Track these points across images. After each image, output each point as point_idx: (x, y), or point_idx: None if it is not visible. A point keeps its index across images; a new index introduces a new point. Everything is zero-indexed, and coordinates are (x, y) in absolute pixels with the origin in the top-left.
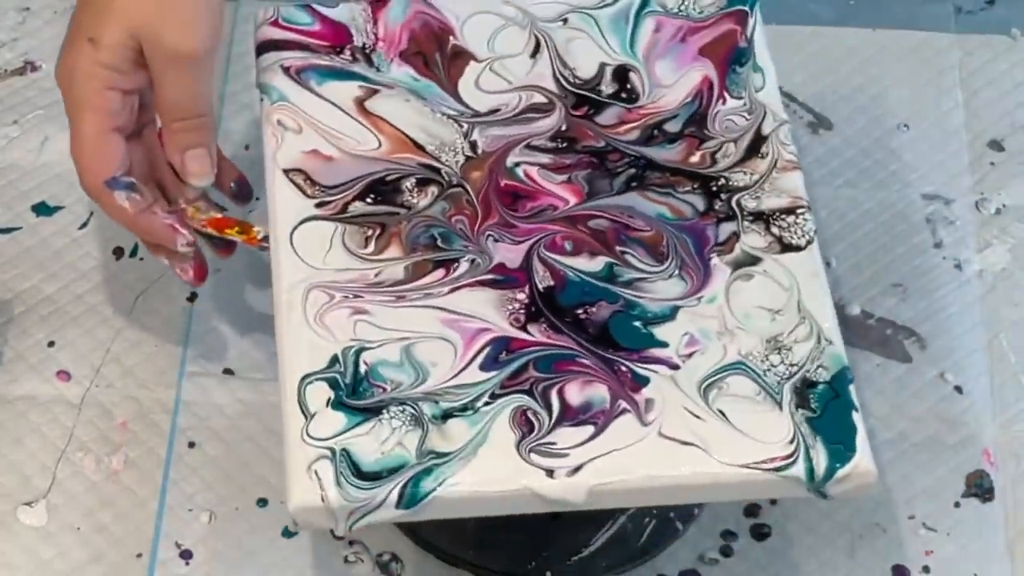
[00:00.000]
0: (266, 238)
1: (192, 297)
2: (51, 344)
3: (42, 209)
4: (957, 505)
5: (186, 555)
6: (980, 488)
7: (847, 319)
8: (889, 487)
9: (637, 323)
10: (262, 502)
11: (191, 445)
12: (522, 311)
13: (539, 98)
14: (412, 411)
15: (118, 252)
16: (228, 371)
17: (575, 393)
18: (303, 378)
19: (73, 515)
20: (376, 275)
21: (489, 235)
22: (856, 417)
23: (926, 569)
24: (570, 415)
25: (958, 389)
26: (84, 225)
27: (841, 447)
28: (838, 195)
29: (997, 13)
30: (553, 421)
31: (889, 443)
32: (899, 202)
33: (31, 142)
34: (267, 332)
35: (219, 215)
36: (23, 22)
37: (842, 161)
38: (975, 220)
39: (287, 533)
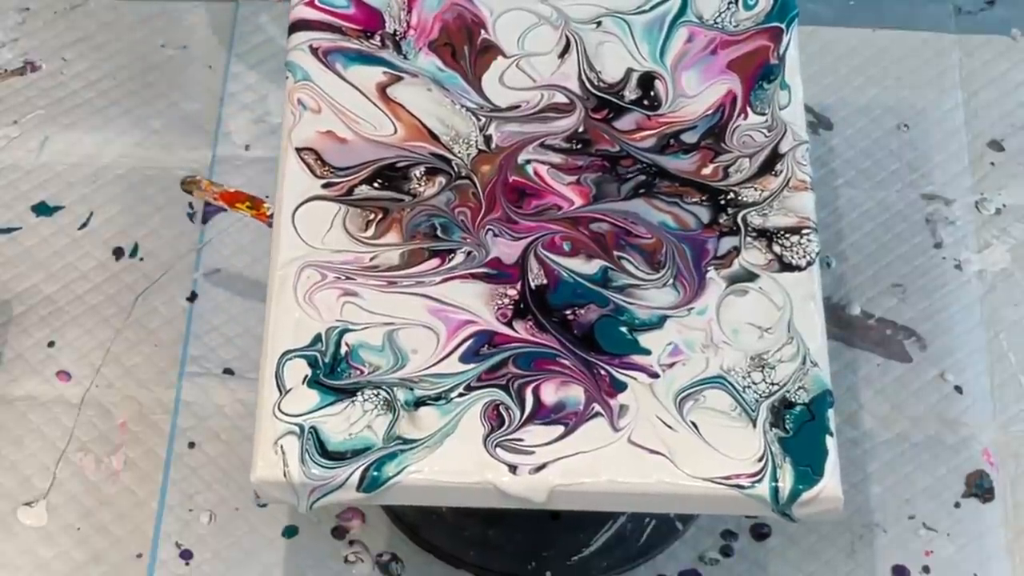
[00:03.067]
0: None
1: (192, 297)
2: (51, 344)
3: (42, 209)
4: (957, 505)
5: (186, 555)
6: (980, 488)
7: (847, 319)
8: (889, 487)
9: (623, 328)
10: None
11: (191, 445)
12: (510, 307)
13: (560, 98)
14: (386, 396)
15: (118, 252)
16: (228, 371)
17: (550, 392)
18: (284, 354)
19: (73, 515)
20: (372, 259)
21: (489, 229)
22: (830, 442)
23: (926, 569)
24: (542, 413)
25: (958, 389)
26: (84, 225)
27: (809, 470)
28: (838, 195)
29: (997, 13)
30: (524, 418)
31: (889, 443)
32: (899, 202)
33: (31, 142)
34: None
35: (231, 189)
36: (23, 22)
37: (842, 161)
38: (975, 220)
39: (287, 533)
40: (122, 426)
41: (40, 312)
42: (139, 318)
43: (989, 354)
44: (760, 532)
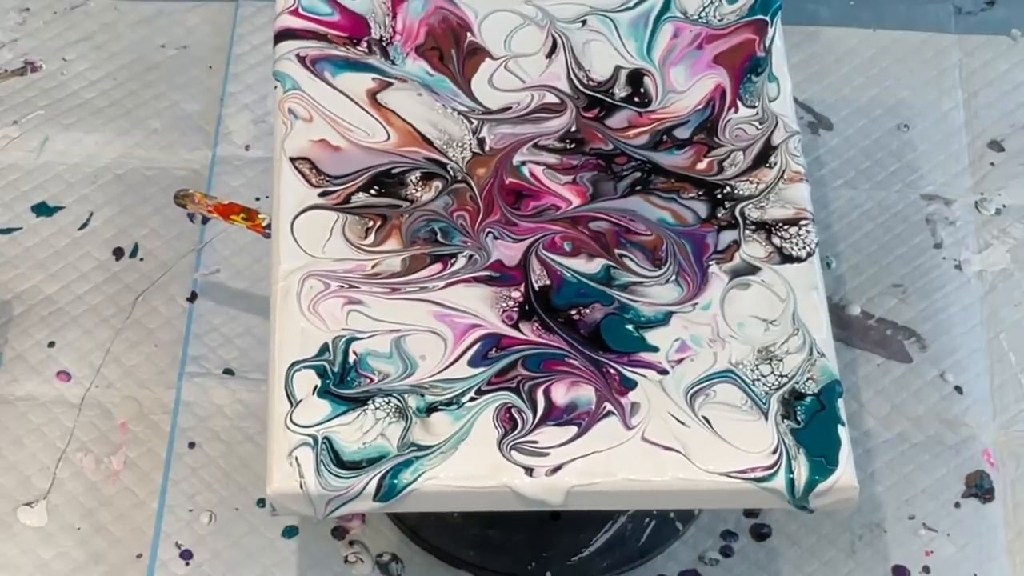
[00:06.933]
0: (270, 225)
1: (192, 297)
2: (51, 344)
3: (42, 209)
4: (957, 505)
5: (186, 555)
6: (980, 488)
7: (847, 319)
8: (889, 487)
9: (629, 326)
10: (262, 502)
11: (191, 445)
12: (515, 309)
13: (551, 98)
14: (397, 403)
15: (118, 252)
16: (228, 371)
17: (561, 393)
18: (291, 365)
19: (73, 516)
20: (373, 266)
21: (489, 232)
22: (842, 431)
23: (926, 569)
24: (554, 414)
25: (958, 389)
26: (84, 225)
27: (823, 460)
28: (838, 195)
29: (997, 14)
30: (537, 420)
31: (889, 443)
32: (899, 202)
33: (31, 142)
34: (267, 332)
35: (225, 201)
36: (23, 22)
37: (842, 161)
38: (975, 220)
39: (287, 533)
40: (122, 426)
41: (40, 312)
42: (139, 318)
43: (989, 354)
44: (760, 532)
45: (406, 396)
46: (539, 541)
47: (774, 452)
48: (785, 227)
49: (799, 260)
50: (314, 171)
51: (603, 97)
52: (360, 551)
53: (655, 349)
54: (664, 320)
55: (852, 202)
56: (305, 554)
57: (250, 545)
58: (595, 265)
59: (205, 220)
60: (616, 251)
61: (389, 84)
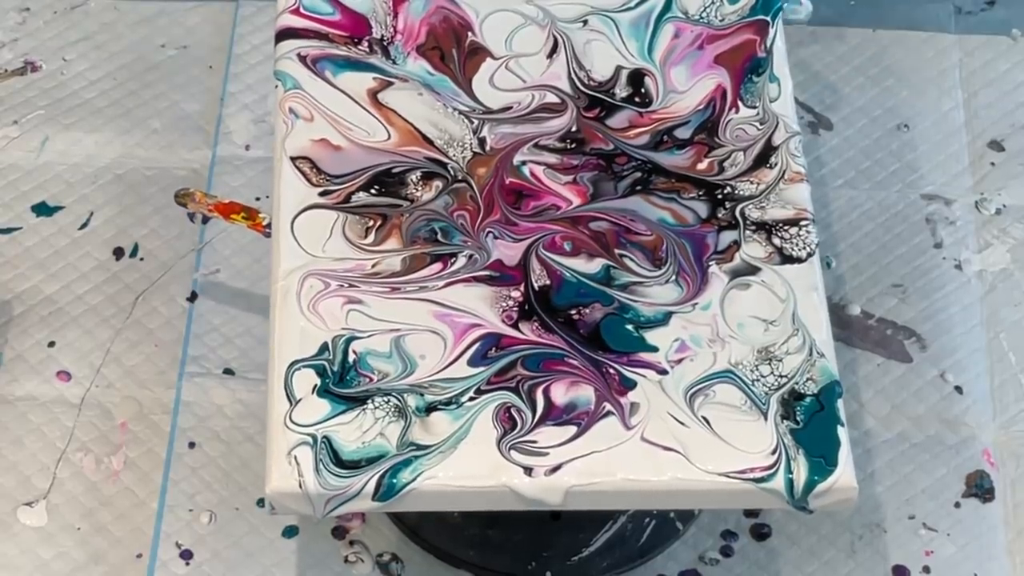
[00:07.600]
0: (270, 224)
1: (192, 297)
2: (51, 344)
3: (42, 209)
4: (957, 505)
5: (186, 555)
6: (980, 488)
7: (848, 319)
8: (889, 487)
9: (629, 326)
10: (262, 502)
11: (191, 445)
12: (515, 309)
13: (552, 98)
14: (396, 402)
15: (118, 252)
16: (228, 371)
17: (561, 393)
18: (291, 364)
19: (73, 516)
20: (373, 266)
21: (489, 232)
22: (841, 432)
23: (926, 569)
24: (554, 414)
25: (958, 389)
26: (84, 225)
27: (822, 461)
28: (838, 195)
29: (997, 14)
30: (536, 419)
31: (889, 443)
32: (899, 202)
33: (31, 142)
34: (267, 332)
35: (226, 200)
36: (23, 22)
37: (842, 161)
38: (975, 220)
39: (287, 533)
40: (122, 426)
41: (40, 312)
42: (139, 318)
43: (989, 354)
44: (760, 532)
45: (405, 395)
46: (539, 541)
47: (773, 452)
48: (785, 227)
49: (799, 260)
50: (315, 170)
51: (604, 97)
52: (360, 551)
53: (655, 349)
54: (664, 320)
55: (852, 202)
56: (305, 554)
57: (250, 545)
58: (595, 265)
59: (205, 219)
60: (616, 251)
61: (390, 83)
